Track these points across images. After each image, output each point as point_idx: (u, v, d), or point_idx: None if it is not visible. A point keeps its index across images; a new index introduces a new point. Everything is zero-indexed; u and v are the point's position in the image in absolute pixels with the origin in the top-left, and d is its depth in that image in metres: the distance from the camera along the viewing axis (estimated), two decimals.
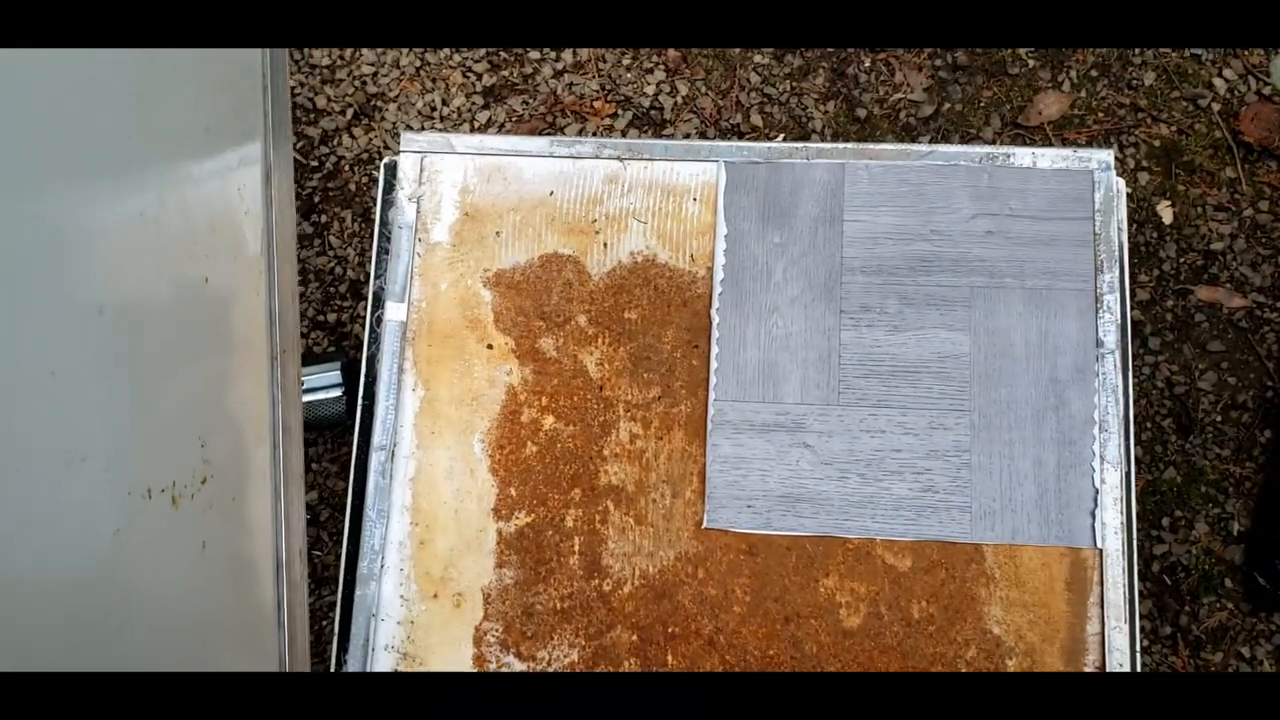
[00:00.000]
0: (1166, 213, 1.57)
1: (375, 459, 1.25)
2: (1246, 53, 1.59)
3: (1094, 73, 1.61)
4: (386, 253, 1.30)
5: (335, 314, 1.60)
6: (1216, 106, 1.60)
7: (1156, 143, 1.59)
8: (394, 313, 1.28)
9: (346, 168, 1.65)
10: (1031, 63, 1.62)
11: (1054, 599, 1.19)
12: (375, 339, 1.29)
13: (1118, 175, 1.29)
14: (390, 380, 1.27)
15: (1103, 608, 1.18)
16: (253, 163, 0.83)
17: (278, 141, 0.85)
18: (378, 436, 1.26)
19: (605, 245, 1.29)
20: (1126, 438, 1.22)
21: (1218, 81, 1.60)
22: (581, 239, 1.30)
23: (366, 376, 1.29)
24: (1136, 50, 1.60)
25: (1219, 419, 1.52)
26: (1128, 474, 1.21)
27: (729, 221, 1.29)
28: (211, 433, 0.76)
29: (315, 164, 1.65)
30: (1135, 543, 1.20)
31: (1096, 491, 1.21)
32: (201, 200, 0.83)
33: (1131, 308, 1.28)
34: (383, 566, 1.24)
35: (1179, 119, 1.60)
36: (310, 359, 1.57)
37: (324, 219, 1.63)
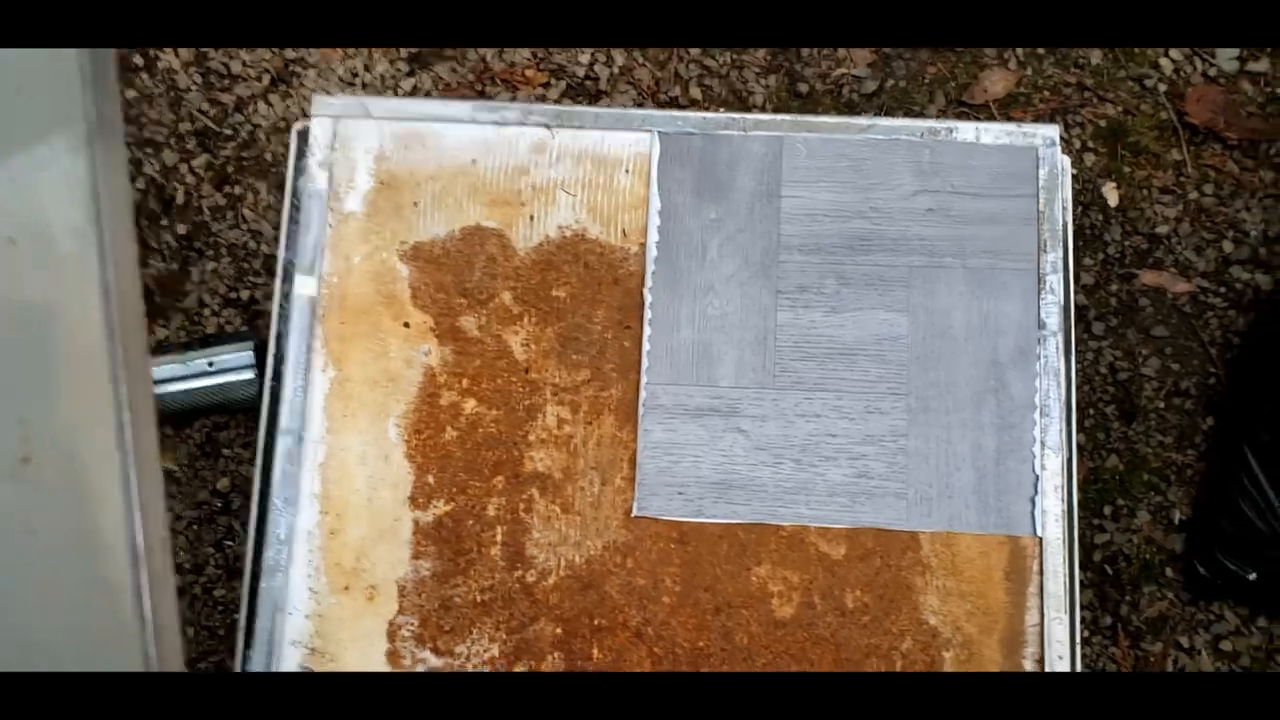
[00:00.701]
0: (1112, 195, 1.53)
1: (282, 444, 1.18)
2: None
3: (1040, 50, 1.57)
4: (296, 224, 1.23)
5: (249, 291, 1.52)
6: (1163, 87, 1.57)
7: (1103, 123, 1.56)
8: (303, 287, 1.21)
9: (263, 136, 1.56)
10: None
11: (992, 589, 1.15)
12: (284, 316, 1.21)
13: (1063, 153, 1.25)
14: (298, 360, 1.19)
15: (1042, 598, 1.14)
16: (74, 118, 0.75)
17: (100, 95, 0.78)
18: (285, 420, 1.18)
19: (532, 218, 1.23)
20: (1068, 422, 1.18)
21: (1164, 61, 1.57)
22: (506, 211, 1.23)
23: (274, 356, 1.22)
24: None
25: (1162, 405, 1.49)
26: (1069, 460, 1.17)
27: (663, 195, 1.23)
28: (33, 411, 0.69)
29: (229, 132, 1.57)
30: (1076, 531, 1.16)
31: (1037, 478, 1.17)
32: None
33: (1076, 291, 1.23)
34: (290, 558, 1.16)
35: (1125, 99, 1.56)
36: (222, 339, 1.49)
37: (238, 190, 1.55)
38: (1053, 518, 1.16)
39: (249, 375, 1.47)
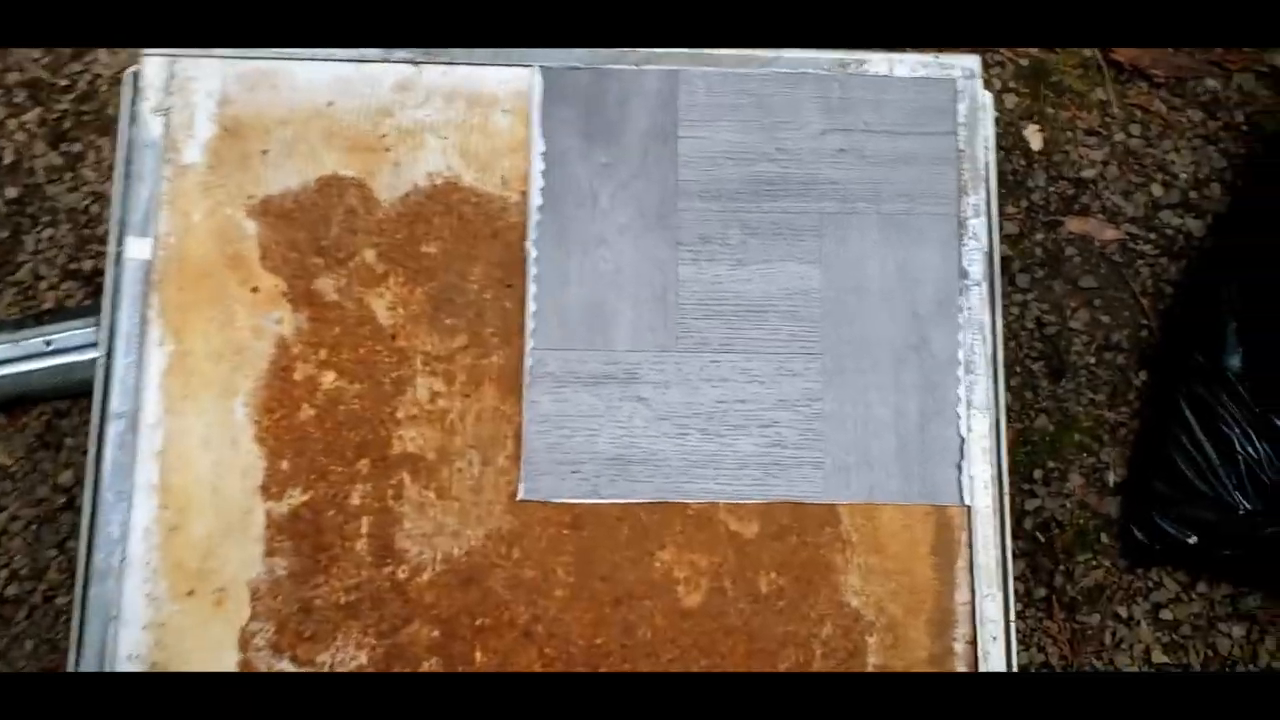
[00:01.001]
0: (1035, 138, 1.43)
1: (113, 429, 1.03)
2: None
3: None
4: (129, 179, 1.07)
5: (92, 261, 1.35)
6: None
7: (1024, 61, 1.46)
8: (135, 250, 1.05)
9: (104, 88, 1.39)
10: None
11: (918, 565, 1.04)
12: (116, 283, 1.06)
13: (984, 89, 1.14)
14: (130, 332, 1.04)
15: (972, 573, 1.04)
16: None
17: None
18: (115, 402, 1.03)
19: (396, 165, 1.08)
20: (996, 380, 1.07)
21: None
22: (367, 158, 1.08)
23: (107, 330, 1.06)
24: None
25: (1092, 361, 1.40)
26: (998, 420, 1.07)
27: (547, 138, 1.10)
28: None
29: (65, 83, 1.39)
30: (1007, 498, 1.06)
31: (963, 441, 1.06)
32: None
33: (999, 242, 1.13)
34: (124, 559, 1.01)
35: None
36: (61, 314, 1.33)
37: (77, 148, 1.38)
38: (981, 484, 1.05)
39: (93, 355, 1.30)
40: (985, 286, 1.08)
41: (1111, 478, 1.38)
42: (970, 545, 1.04)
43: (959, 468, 1.05)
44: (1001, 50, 1.45)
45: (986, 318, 1.07)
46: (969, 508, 1.04)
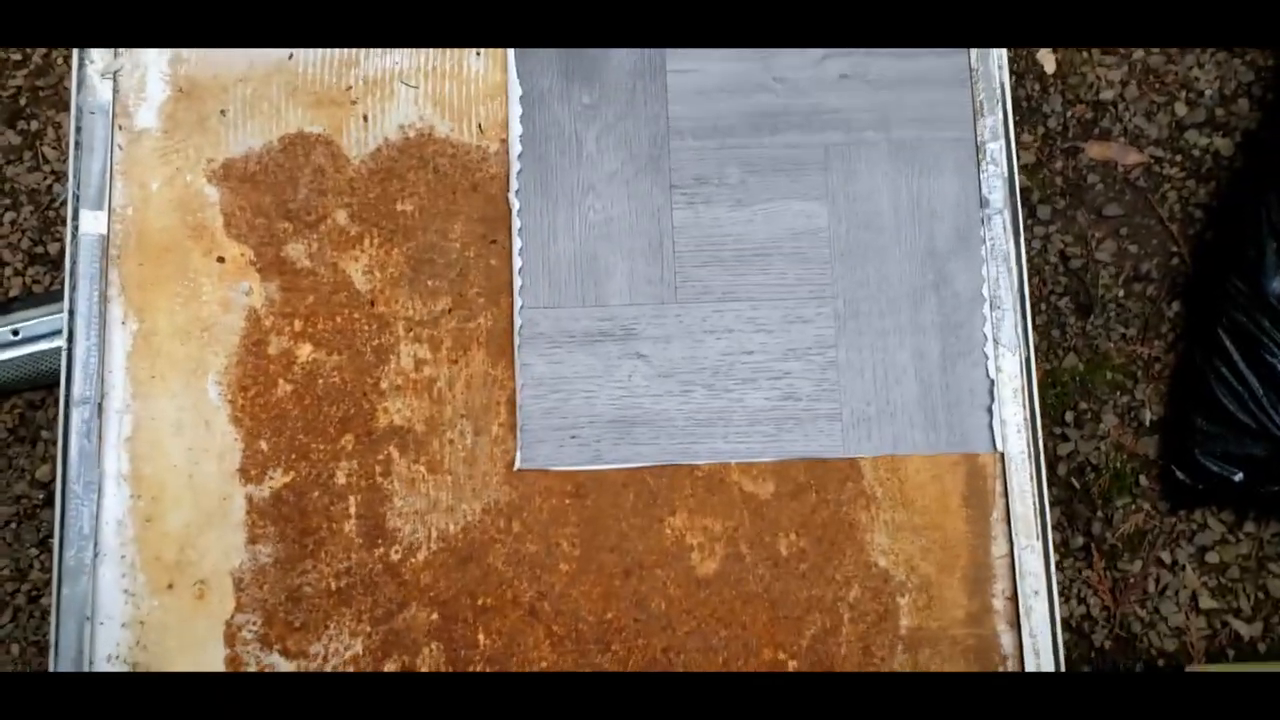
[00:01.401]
0: (1048, 60, 1.34)
1: (77, 416, 0.96)
2: None
3: None
4: (80, 148, 0.99)
5: (58, 243, 1.28)
6: None
7: None
8: (90, 224, 0.98)
9: (59, 60, 1.32)
10: None
11: (950, 518, 0.97)
12: (73, 260, 0.98)
13: None
14: (90, 313, 0.97)
15: (1009, 524, 0.96)
16: None
17: None
18: (78, 387, 0.96)
19: (366, 119, 1.01)
20: (1023, 315, 0.99)
21: None
22: (334, 113, 1.00)
23: (67, 311, 0.99)
24: None
25: (1121, 294, 1.31)
26: (1027, 359, 0.99)
27: (524, 79, 1.02)
28: None
29: (19, 57, 1.32)
30: (1040, 442, 0.98)
31: (992, 383, 0.98)
32: None
33: (1018, 168, 1.04)
34: (96, 555, 0.95)
35: None
36: (28, 301, 1.26)
37: (35, 125, 1.31)
38: (1014, 429, 0.97)
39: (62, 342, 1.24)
40: (1007, 214, 1.00)
41: (1148, 416, 1.30)
42: (1005, 494, 0.96)
43: (989, 411, 0.97)
44: None
45: (1010, 248, 0.99)
46: (1002, 454, 0.97)
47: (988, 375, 0.98)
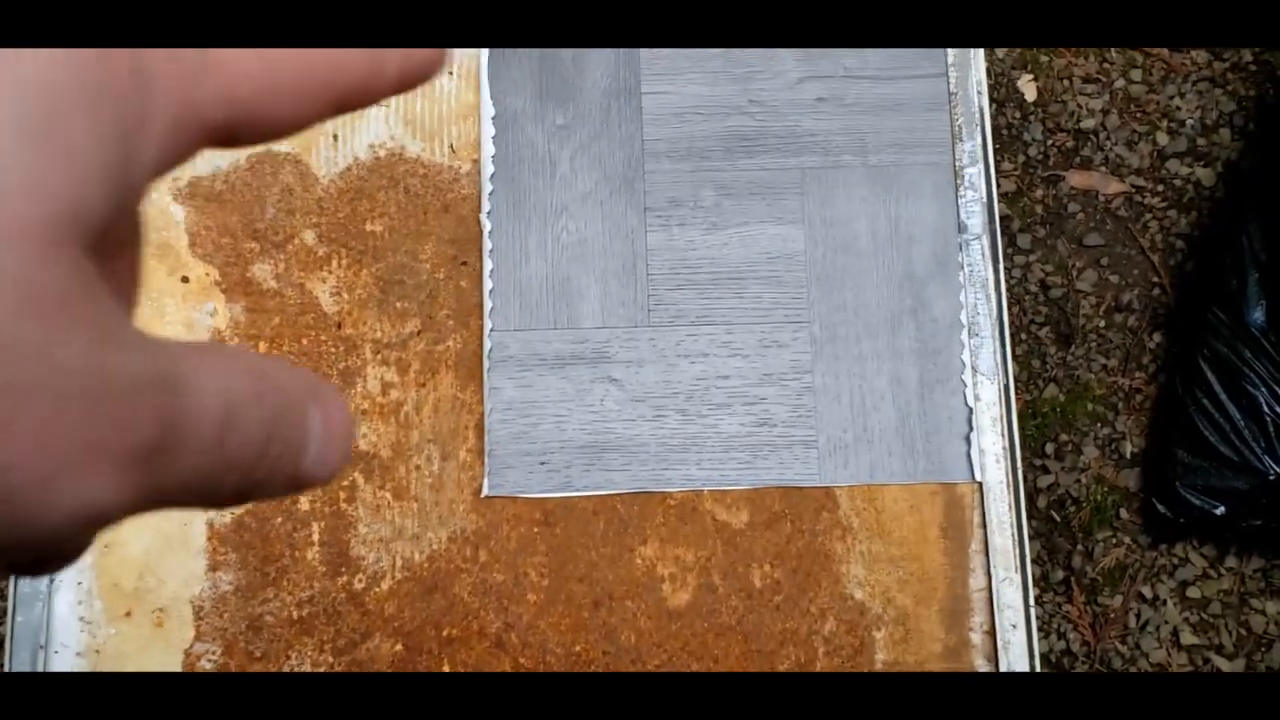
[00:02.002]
0: (1029, 88, 1.34)
1: None
2: None
3: None
4: None
5: None
6: None
7: None
8: None
9: None
10: None
11: (927, 549, 0.95)
12: None
13: None
14: None
15: (988, 555, 0.94)
16: None
17: None
18: None
19: (335, 138, 0.99)
20: (1002, 343, 0.98)
21: None
22: (303, 131, 0.99)
23: None
24: None
25: (1102, 324, 1.30)
26: (1006, 387, 0.97)
27: (496, 99, 1.00)
28: None
29: None
30: (1020, 472, 0.96)
31: (970, 411, 0.96)
32: None
33: (998, 194, 1.03)
34: (52, 581, 0.92)
35: None
36: None
37: None
38: (992, 458, 0.95)
39: None
40: (986, 240, 0.99)
41: (1129, 448, 1.28)
42: (984, 526, 0.94)
43: (967, 440, 0.96)
44: None
45: (989, 273, 0.98)
46: (980, 484, 0.95)
47: (966, 403, 0.96)
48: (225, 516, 0.93)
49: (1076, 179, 1.33)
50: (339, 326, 0.96)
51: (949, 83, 1.01)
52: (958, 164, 1.00)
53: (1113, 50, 1.35)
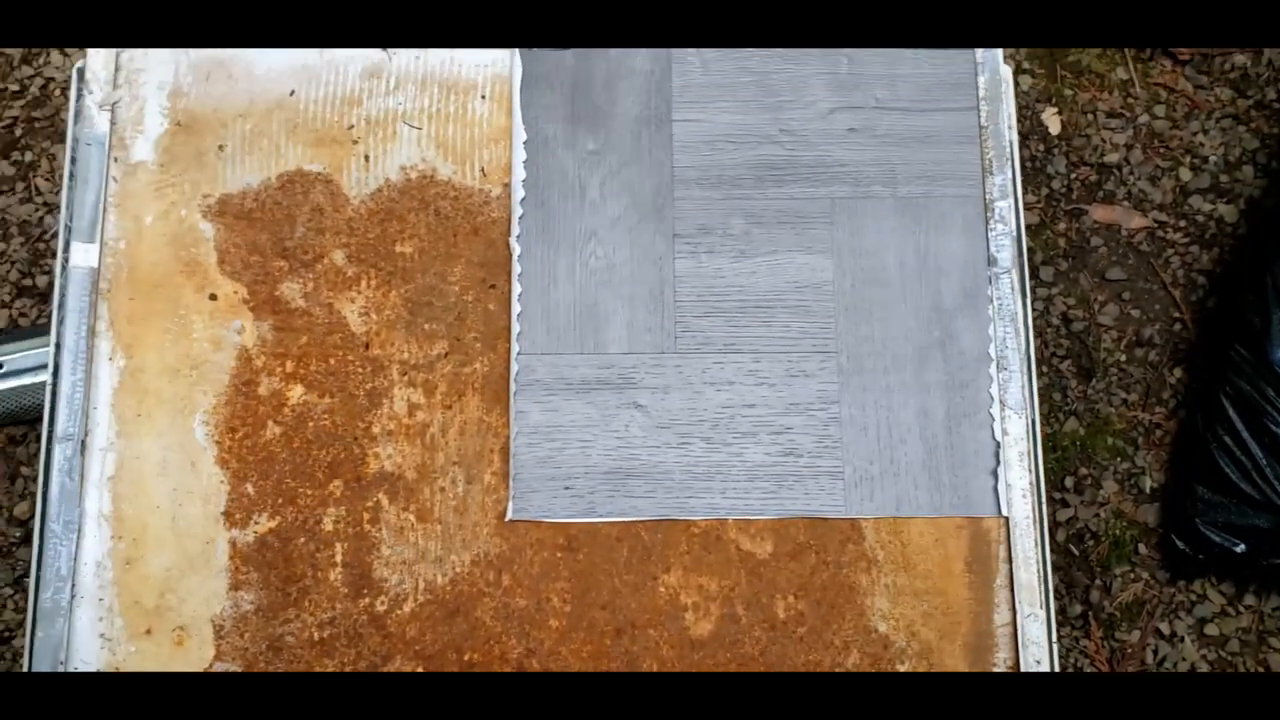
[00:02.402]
0: (1053, 121, 1.34)
1: (59, 454, 0.93)
2: None
3: None
4: (74, 179, 0.98)
5: (47, 276, 1.26)
6: None
7: None
8: (80, 256, 0.96)
9: (57, 92, 1.30)
10: None
11: (952, 583, 0.94)
12: (61, 294, 0.96)
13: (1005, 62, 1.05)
14: (77, 347, 0.94)
15: (1012, 591, 0.94)
16: None
17: None
18: (62, 423, 0.93)
19: (367, 159, 0.99)
20: (1030, 377, 0.98)
21: None
22: (334, 151, 0.99)
23: (53, 345, 0.96)
24: None
25: (1123, 358, 1.30)
26: (1033, 422, 0.97)
27: (529, 125, 1.00)
28: None
29: (15, 88, 1.30)
30: (1045, 507, 0.96)
31: (998, 445, 0.96)
32: None
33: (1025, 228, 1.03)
34: (74, 597, 0.91)
35: None
36: (13, 335, 1.23)
37: (29, 157, 1.29)
38: (1019, 493, 0.95)
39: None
40: (1015, 273, 0.99)
41: (1148, 483, 1.28)
42: (1009, 560, 0.94)
43: (994, 474, 0.95)
44: None
45: (1018, 307, 0.98)
46: (1006, 519, 0.95)
47: (993, 437, 0.96)
48: (249, 535, 0.93)
49: (1099, 213, 1.33)
50: (366, 347, 0.96)
51: (980, 116, 1.02)
52: (988, 197, 1.00)
53: (1137, 85, 1.35)
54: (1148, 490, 1.28)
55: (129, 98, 0.99)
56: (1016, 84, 1.35)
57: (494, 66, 1.01)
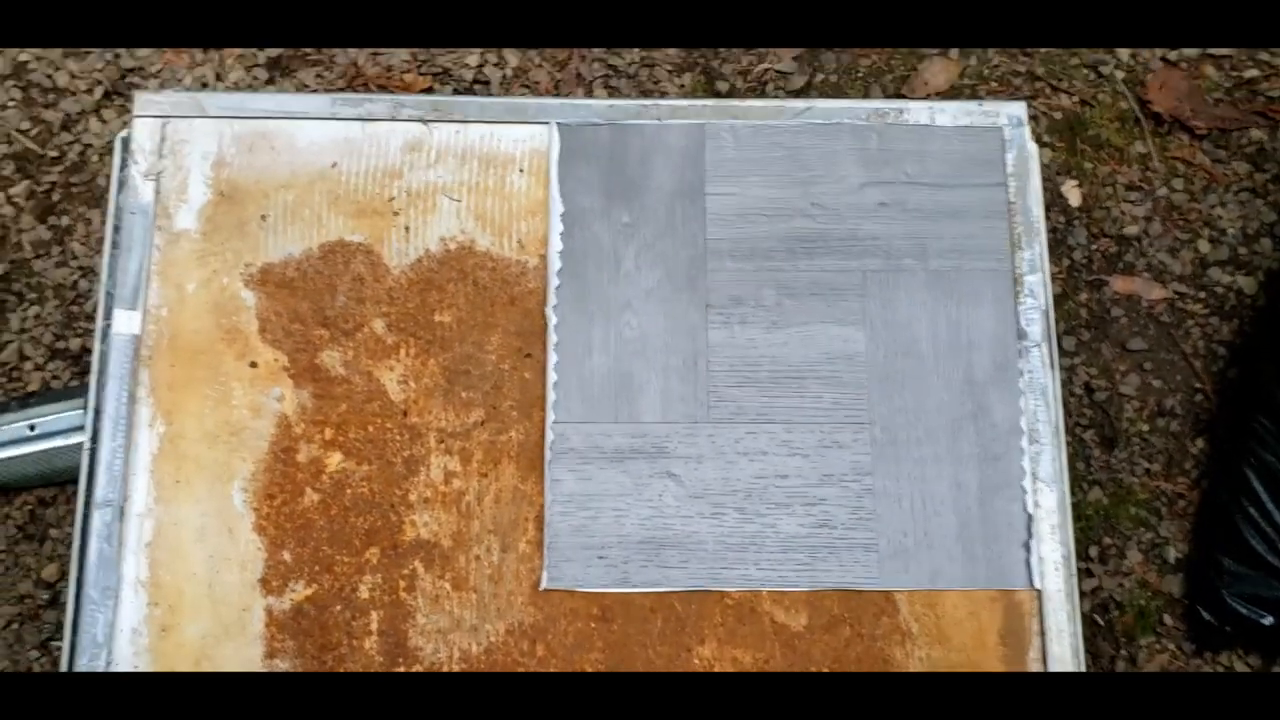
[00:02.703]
0: (1074, 194, 1.36)
1: (98, 519, 0.94)
2: None
3: None
4: (117, 248, 0.99)
5: (80, 339, 1.27)
6: (1120, 74, 1.41)
7: (1058, 115, 1.39)
8: (123, 324, 0.97)
9: (95, 158, 1.33)
10: None
11: (986, 656, 0.94)
12: (102, 360, 0.97)
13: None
14: (118, 413, 0.95)
15: (1045, 663, 0.94)
16: None
17: None
18: (101, 489, 0.94)
19: (407, 230, 1.01)
20: (1060, 449, 0.99)
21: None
22: (375, 222, 1.01)
23: (93, 411, 0.97)
24: None
25: (1145, 428, 1.31)
26: (1065, 494, 0.98)
27: (565, 197, 1.02)
28: None
29: (54, 154, 1.33)
30: (1077, 579, 0.96)
31: (1030, 518, 0.97)
32: None
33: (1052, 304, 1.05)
34: (109, 663, 0.91)
35: (1081, 88, 1.40)
36: (47, 397, 1.24)
37: (66, 221, 1.31)
38: (1051, 565, 0.96)
39: (79, 439, 1.22)
40: (1045, 347, 1.00)
41: (1172, 553, 1.28)
42: (1043, 633, 0.94)
43: (1027, 547, 0.96)
44: (1034, 103, 1.39)
45: (1049, 381, 0.99)
46: (1039, 591, 0.95)
47: (1025, 510, 0.97)
48: (285, 603, 0.93)
49: (1120, 284, 1.34)
50: (405, 414, 0.97)
51: (1008, 192, 1.04)
52: (1017, 271, 1.02)
53: (1155, 159, 1.38)
54: (1172, 561, 1.28)
55: (173, 167, 1.01)
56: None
57: (532, 141, 1.03)
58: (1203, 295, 1.35)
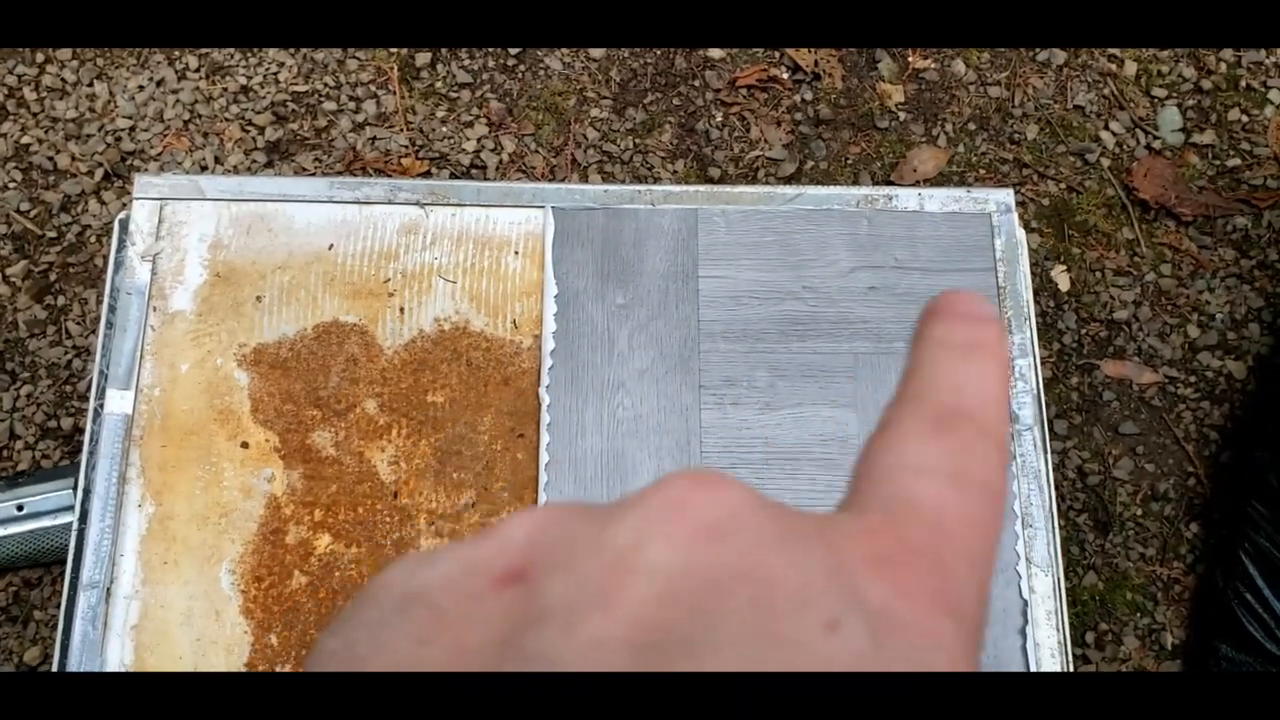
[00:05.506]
0: (1063, 278, 1.38)
1: (83, 601, 0.92)
2: (1132, 104, 1.43)
3: (971, 125, 1.43)
4: (112, 328, 1.00)
5: (71, 418, 1.27)
6: (1106, 161, 1.43)
7: (1046, 201, 1.41)
8: (115, 403, 0.97)
9: (92, 239, 1.34)
10: (903, 115, 1.44)
11: None
12: (93, 440, 0.97)
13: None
14: (107, 494, 0.95)
15: None
16: None
17: None
18: (88, 570, 0.93)
19: (401, 311, 1.02)
20: (1054, 534, 0.98)
21: (1105, 135, 1.44)
22: (370, 303, 1.01)
23: (81, 491, 0.97)
24: (1016, 102, 1.43)
25: (1139, 513, 1.31)
26: (1059, 579, 0.97)
27: (560, 279, 1.03)
28: None
29: (53, 235, 1.34)
30: (1074, 665, 0.95)
31: (1025, 604, 0.96)
32: None
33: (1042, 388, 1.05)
34: None
35: (1068, 175, 1.43)
36: (36, 476, 1.23)
37: (62, 301, 1.32)
38: (1047, 651, 0.94)
39: (67, 519, 1.21)
40: (1036, 431, 1.00)
41: (1169, 639, 1.27)
42: None
43: (1023, 634, 0.95)
44: (1022, 190, 1.41)
45: (1041, 465, 0.99)
46: None
47: (1021, 596, 0.96)
48: None
49: (1110, 368, 1.35)
50: (395, 496, 0.97)
51: (997, 276, 1.05)
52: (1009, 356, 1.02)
53: (1142, 245, 1.39)
54: (1169, 647, 1.27)
55: (170, 249, 1.02)
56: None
57: (527, 224, 1.04)
58: (1193, 379, 1.36)
